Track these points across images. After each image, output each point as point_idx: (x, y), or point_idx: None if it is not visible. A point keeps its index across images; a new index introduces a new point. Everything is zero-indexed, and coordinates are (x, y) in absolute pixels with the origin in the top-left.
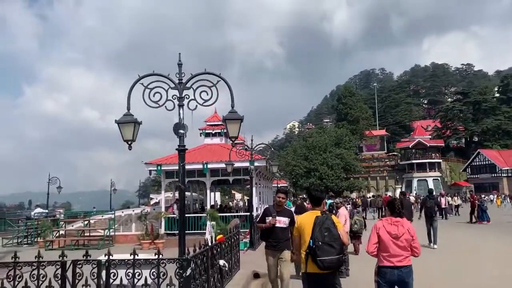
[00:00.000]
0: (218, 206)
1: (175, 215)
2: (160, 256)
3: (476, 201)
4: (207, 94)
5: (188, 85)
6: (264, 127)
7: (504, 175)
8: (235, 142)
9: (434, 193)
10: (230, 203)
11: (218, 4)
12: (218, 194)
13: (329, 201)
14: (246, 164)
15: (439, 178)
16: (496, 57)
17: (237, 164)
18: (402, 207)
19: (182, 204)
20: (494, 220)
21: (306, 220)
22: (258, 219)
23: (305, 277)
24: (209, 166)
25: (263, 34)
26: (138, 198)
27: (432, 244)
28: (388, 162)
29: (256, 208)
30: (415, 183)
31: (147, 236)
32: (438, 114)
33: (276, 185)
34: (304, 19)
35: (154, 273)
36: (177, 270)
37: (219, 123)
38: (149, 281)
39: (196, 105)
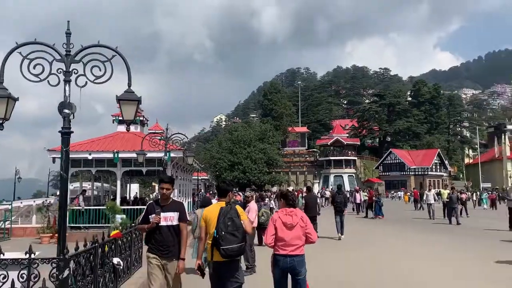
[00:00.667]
0: (133, 199)
1: (80, 207)
2: (33, 254)
3: (374, 197)
4: (100, 70)
5: (77, 58)
6: (191, 119)
7: (412, 173)
8: (155, 132)
9: (342, 189)
10: (151, 195)
11: None
12: (136, 185)
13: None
14: (162, 154)
15: (353, 175)
16: (410, 63)
17: (151, 155)
18: (295, 198)
19: (63, 195)
20: (397, 216)
21: (212, 211)
22: (140, 218)
23: (211, 266)
24: (121, 155)
25: (193, 26)
26: (49, 187)
27: (339, 235)
28: (308, 158)
29: None
30: (332, 179)
31: (48, 230)
32: (356, 114)
33: (196, 177)
34: (234, 14)
35: (24, 275)
36: (52, 271)
37: None
38: (18, 285)
39: (86, 82)
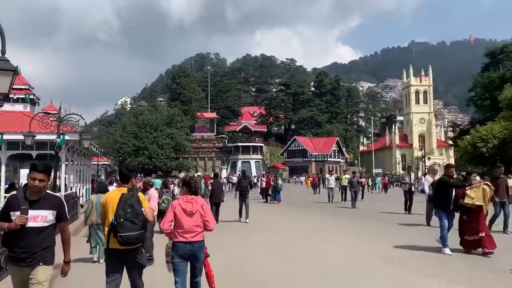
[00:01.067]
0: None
1: None
2: None
3: (272, 183)
4: None
5: None
6: (94, 101)
7: (313, 159)
8: (48, 112)
9: (246, 174)
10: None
11: None
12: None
13: (157, 180)
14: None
15: (260, 161)
16: (314, 55)
17: (42, 137)
18: (198, 185)
19: None
20: (299, 200)
21: (112, 197)
22: None
23: (107, 253)
24: (5, 137)
25: (96, 2)
26: None
27: (244, 219)
28: (216, 144)
29: (70, 188)
30: (239, 165)
31: None
32: (264, 102)
33: (96, 163)
34: None
35: None
36: None
37: (23, 86)
38: None
39: None
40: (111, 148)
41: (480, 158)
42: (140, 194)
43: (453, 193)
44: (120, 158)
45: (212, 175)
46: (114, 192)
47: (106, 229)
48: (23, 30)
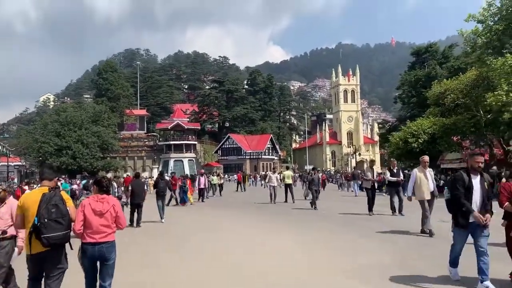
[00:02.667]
0: None
1: None
2: None
3: (179, 183)
4: None
5: None
6: (12, 98)
7: (248, 157)
8: None
9: (164, 175)
10: None
11: None
12: None
13: (84, 181)
14: None
15: (194, 159)
16: (247, 54)
17: None
18: (110, 185)
19: None
20: (234, 200)
21: (32, 198)
22: None
23: (29, 259)
24: None
25: None
26: None
27: (162, 220)
28: (147, 142)
29: None
30: (172, 163)
31: None
32: (197, 99)
33: (5, 164)
34: None
35: None
36: None
37: None
38: None
39: None
40: (30, 148)
41: (411, 152)
42: (63, 192)
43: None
44: (40, 158)
45: (133, 176)
46: (34, 193)
47: (26, 234)
48: None
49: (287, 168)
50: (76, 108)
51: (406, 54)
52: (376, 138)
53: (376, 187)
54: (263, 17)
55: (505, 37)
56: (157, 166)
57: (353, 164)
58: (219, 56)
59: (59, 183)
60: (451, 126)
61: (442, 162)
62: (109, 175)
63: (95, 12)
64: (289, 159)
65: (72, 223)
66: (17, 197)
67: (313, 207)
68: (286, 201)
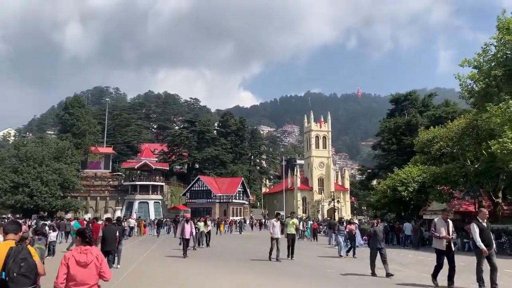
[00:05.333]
0: None
1: None
2: None
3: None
4: None
5: None
6: None
7: (218, 200)
8: None
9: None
10: None
11: None
12: None
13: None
14: None
15: (160, 201)
16: (218, 98)
17: None
18: (93, 235)
19: None
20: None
21: None
22: None
23: None
24: None
25: None
26: None
27: (115, 265)
28: (111, 182)
29: None
30: (136, 205)
31: None
32: (167, 138)
33: None
34: (34, 21)
35: None
36: None
37: None
38: None
39: None
40: None
41: (400, 201)
42: (29, 247)
43: None
44: None
45: (104, 221)
46: (0, 246)
47: None
48: None
49: (291, 214)
50: (37, 143)
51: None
52: (347, 185)
53: (452, 247)
54: (234, 63)
55: (504, 83)
56: (121, 207)
57: (325, 211)
58: (190, 98)
59: (71, 223)
60: (441, 174)
61: (424, 213)
62: (69, 215)
63: (63, 49)
64: (258, 203)
65: (40, 276)
66: None
67: (388, 275)
68: (291, 257)
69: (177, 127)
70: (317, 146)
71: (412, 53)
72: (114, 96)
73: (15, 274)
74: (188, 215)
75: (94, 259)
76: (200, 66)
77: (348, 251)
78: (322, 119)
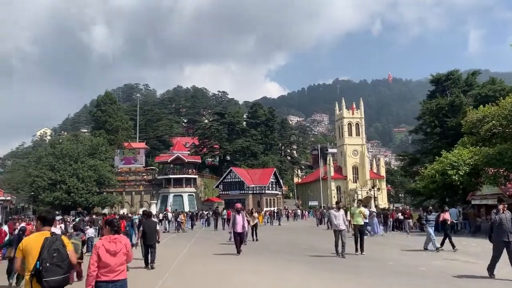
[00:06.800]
0: None
1: None
2: None
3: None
4: None
5: None
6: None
7: (250, 192)
8: None
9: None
10: None
11: None
12: None
13: (78, 219)
14: None
15: (194, 194)
16: (244, 90)
17: None
18: (119, 225)
19: None
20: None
21: (34, 242)
22: None
23: None
24: None
25: (11, 28)
26: None
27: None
28: (145, 177)
29: None
30: (171, 198)
31: None
32: (197, 131)
33: None
34: (62, 23)
35: None
36: None
37: None
38: None
39: None
40: (24, 183)
41: (450, 186)
42: (63, 237)
43: None
44: (32, 193)
45: (141, 216)
46: (35, 236)
47: (27, 276)
48: None
49: (358, 202)
50: (72, 141)
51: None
52: (383, 172)
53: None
54: (259, 55)
55: None
56: (156, 201)
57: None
58: (218, 91)
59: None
60: (496, 156)
61: (473, 198)
62: (105, 211)
63: (91, 49)
64: (291, 194)
65: (74, 264)
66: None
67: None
68: (361, 251)
69: (206, 120)
70: (350, 134)
71: (440, 35)
72: (144, 93)
73: (48, 264)
74: (240, 205)
75: (123, 247)
76: (225, 60)
77: (442, 244)
78: (354, 106)
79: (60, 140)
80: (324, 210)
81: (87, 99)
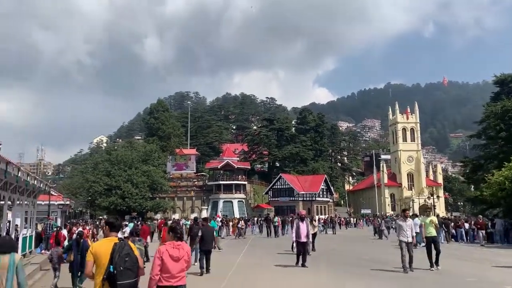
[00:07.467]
0: None
1: None
2: None
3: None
4: None
5: None
6: (69, 141)
7: (301, 199)
8: None
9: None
10: None
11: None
12: None
13: (130, 224)
14: None
15: (243, 200)
16: (292, 96)
17: None
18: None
19: None
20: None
21: (103, 247)
22: None
23: None
24: None
25: (71, 42)
26: None
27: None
28: (196, 182)
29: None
30: (221, 204)
31: None
32: (246, 138)
33: (47, 202)
34: (116, 36)
35: None
36: None
37: None
38: None
39: None
40: (82, 188)
41: None
42: (129, 242)
43: None
44: (89, 198)
45: (192, 222)
46: (105, 242)
47: (98, 280)
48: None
49: (428, 211)
50: (127, 148)
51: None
52: (440, 179)
53: None
54: (307, 60)
55: None
56: (206, 207)
57: (416, 208)
58: (266, 97)
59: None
60: None
61: None
62: (158, 216)
63: (143, 60)
64: (342, 201)
65: (141, 268)
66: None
67: None
68: (436, 265)
69: (255, 127)
70: (405, 139)
71: (499, 34)
72: (194, 100)
73: (121, 268)
74: (303, 211)
75: (185, 254)
76: (273, 67)
77: None
78: (409, 110)
79: (115, 147)
80: (378, 219)
81: (141, 107)
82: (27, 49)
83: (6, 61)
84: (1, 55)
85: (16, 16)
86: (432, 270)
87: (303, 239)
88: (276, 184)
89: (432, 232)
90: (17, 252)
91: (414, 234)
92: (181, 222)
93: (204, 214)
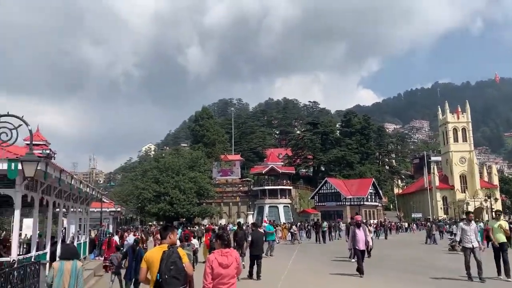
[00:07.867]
0: None
1: None
2: None
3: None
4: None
5: None
6: (119, 150)
7: (348, 203)
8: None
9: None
10: None
11: (72, 16)
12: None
13: (179, 230)
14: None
15: (289, 205)
16: (336, 99)
17: None
18: (229, 239)
19: None
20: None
21: (154, 255)
22: None
23: None
24: None
25: (119, 55)
26: None
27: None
28: (241, 188)
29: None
30: (266, 210)
31: None
32: (290, 142)
33: (99, 209)
34: (161, 47)
35: None
36: None
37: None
38: None
39: None
40: (132, 195)
41: None
42: (179, 249)
43: None
44: (139, 204)
45: (237, 228)
46: (156, 250)
47: (151, 286)
48: (52, 86)
49: (497, 214)
50: (174, 155)
51: None
52: (496, 181)
53: None
54: (350, 62)
55: None
56: (252, 212)
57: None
58: (309, 101)
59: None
60: None
61: None
62: (205, 221)
63: (187, 69)
64: (391, 205)
65: (191, 275)
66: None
67: None
68: (506, 275)
69: (298, 131)
70: (456, 140)
71: None
72: (237, 107)
73: (166, 276)
74: (359, 217)
75: (234, 261)
76: (315, 70)
77: None
78: (459, 109)
79: (163, 155)
80: (428, 223)
81: (186, 115)
82: (79, 64)
83: (60, 75)
84: (55, 70)
85: (68, 32)
86: (501, 278)
87: (362, 247)
88: (322, 188)
89: (501, 238)
90: (79, 259)
91: (479, 239)
92: (228, 227)
93: (250, 219)
